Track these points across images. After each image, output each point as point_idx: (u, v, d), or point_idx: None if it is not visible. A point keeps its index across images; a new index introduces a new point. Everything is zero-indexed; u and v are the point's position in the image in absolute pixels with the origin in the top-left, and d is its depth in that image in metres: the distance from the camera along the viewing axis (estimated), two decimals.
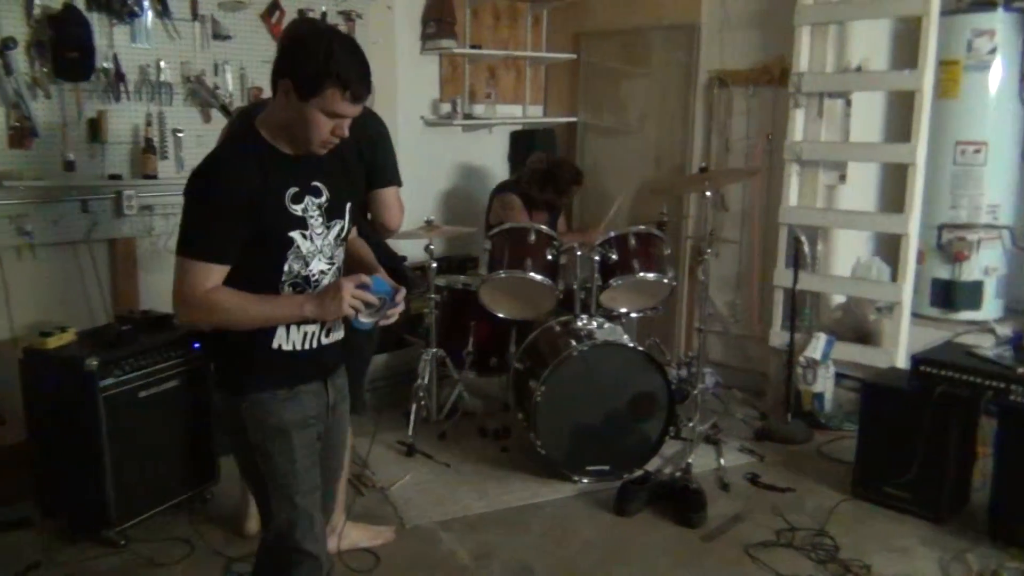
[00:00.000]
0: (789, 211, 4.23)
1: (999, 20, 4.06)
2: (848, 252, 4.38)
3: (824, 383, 4.08)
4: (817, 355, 4.04)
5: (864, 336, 4.17)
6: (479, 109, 5.14)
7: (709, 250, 3.82)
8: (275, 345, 1.90)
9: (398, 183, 2.83)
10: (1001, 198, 4.15)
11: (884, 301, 4.08)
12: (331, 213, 1.94)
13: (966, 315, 4.17)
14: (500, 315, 3.86)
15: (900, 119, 4.14)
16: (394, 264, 2.81)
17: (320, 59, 1.75)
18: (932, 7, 3.73)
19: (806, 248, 4.19)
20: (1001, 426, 3.06)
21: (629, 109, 5.19)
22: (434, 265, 3.91)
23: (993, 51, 4.07)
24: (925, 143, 3.83)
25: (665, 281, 3.74)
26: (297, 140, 1.85)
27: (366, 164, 2.72)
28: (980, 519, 3.12)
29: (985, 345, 3.59)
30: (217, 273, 1.79)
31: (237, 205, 1.76)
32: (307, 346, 1.94)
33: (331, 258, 1.95)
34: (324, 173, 1.93)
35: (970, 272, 4.15)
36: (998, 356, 3.18)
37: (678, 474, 3.50)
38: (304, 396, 1.94)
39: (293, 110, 1.80)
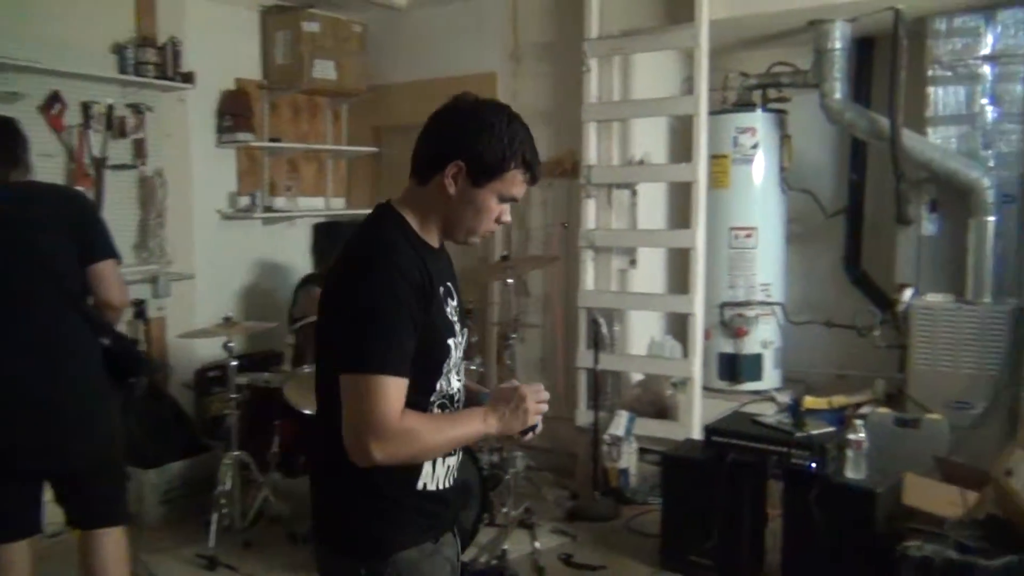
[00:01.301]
0: (586, 295, 4.46)
1: (759, 119, 4.56)
2: (643, 331, 4.65)
3: (628, 459, 4.26)
4: (620, 432, 4.23)
5: (662, 411, 4.41)
6: (280, 202, 5.10)
7: (514, 335, 3.94)
8: (420, 485, 1.58)
9: (116, 256, 2.60)
10: (771, 277, 4.58)
11: (678, 376, 4.36)
12: (463, 318, 1.69)
13: (750, 386, 4.53)
14: (307, 412, 3.76)
15: (681, 207, 4.51)
16: (124, 347, 2.62)
17: (506, 139, 1.57)
18: (701, 108, 4.14)
19: (604, 329, 4.41)
20: (786, 488, 3.32)
21: None
22: (234, 363, 3.78)
23: (755, 146, 4.54)
24: (704, 229, 4.19)
25: (472, 368, 3.81)
26: (455, 229, 1.63)
27: (79, 238, 2.51)
28: None
29: (768, 413, 3.91)
30: (404, 392, 1.49)
31: (413, 304, 1.50)
32: (448, 483, 1.65)
33: (459, 372, 1.67)
34: (452, 270, 1.72)
35: (750, 346, 4.53)
36: (779, 423, 3.46)
37: (494, 561, 3.50)
38: (446, 549, 1.65)
39: (460, 195, 1.58)
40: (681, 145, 4.55)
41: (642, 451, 4.33)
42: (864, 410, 4.03)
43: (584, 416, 4.41)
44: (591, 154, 4.47)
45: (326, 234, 5.28)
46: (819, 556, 3.13)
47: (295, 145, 5.21)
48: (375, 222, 1.63)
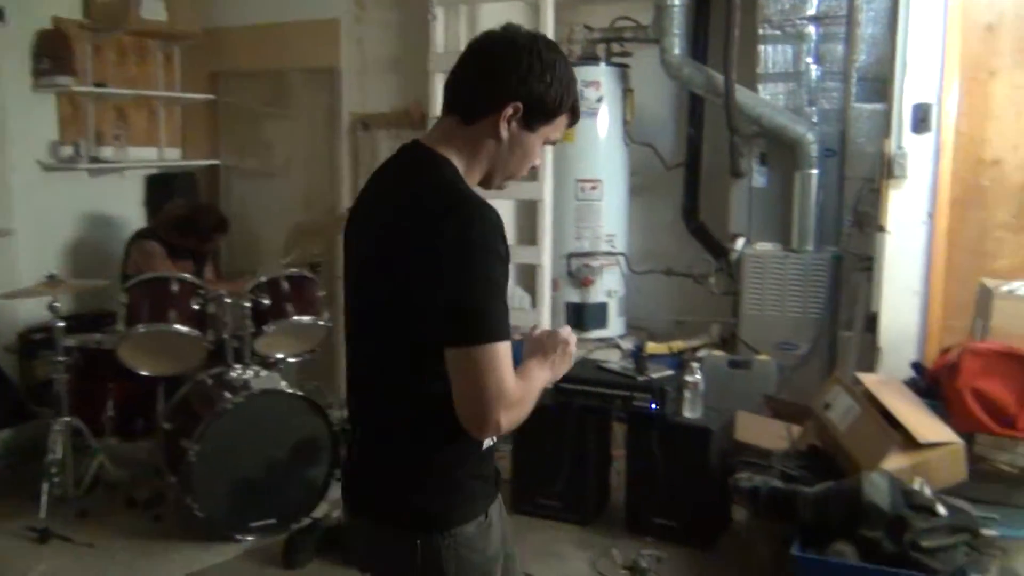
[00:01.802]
0: None
1: (603, 73, 4.64)
2: None
3: None
4: None
5: None
6: (107, 152, 4.78)
7: None
8: (486, 444, 1.50)
9: None
10: (616, 228, 4.72)
11: (528, 327, 4.43)
12: None
13: (596, 334, 4.67)
14: (144, 373, 3.60)
15: None
16: None
17: (564, 81, 1.47)
18: None
19: None
20: (629, 429, 3.48)
21: (275, 151, 5.14)
22: (61, 324, 3.55)
23: (600, 100, 4.63)
24: (551, 181, 4.26)
25: (321, 323, 3.75)
26: (497, 174, 1.53)
27: None
28: (619, 516, 3.50)
29: (613, 359, 4.07)
30: None
31: (506, 259, 1.39)
32: (493, 442, 1.53)
33: None
34: None
35: (596, 295, 4.67)
36: (623, 368, 3.61)
37: None
38: (495, 519, 1.54)
39: (512, 138, 1.47)
40: None
41: None
42: (701, 353, 4.26)
43: None
44: (438, 105, 4.41)
45: (161, 186, 5.03)
46: (660, 491, 3.31)
47: (122, 91, 4.88)
48: (435, 169, 1.47)
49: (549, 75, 1.46)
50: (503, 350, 1.36)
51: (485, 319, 1.35)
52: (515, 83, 1.45)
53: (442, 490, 1.47)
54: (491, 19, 4.57)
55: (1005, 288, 3.24)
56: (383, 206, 1.50)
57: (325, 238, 4.77)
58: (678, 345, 4.44)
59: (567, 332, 1.58)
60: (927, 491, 2.67)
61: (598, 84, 4.60)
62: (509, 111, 1.46)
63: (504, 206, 4.77)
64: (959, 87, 3.66)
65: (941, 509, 2.57)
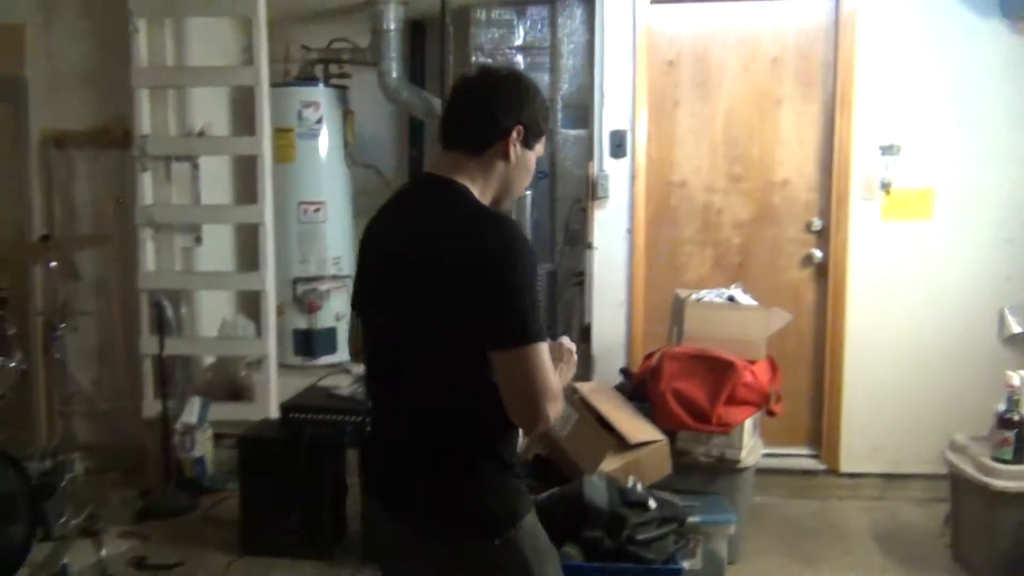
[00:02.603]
0: (148, 276, 4.16)
1: (322, 93, 4.61)
2: (213, 312, 4.48)
3: (203, 446, 4.09)
4: (193, 420, 4.04)
5: (238, 393, 4.31)
6: None
7: (63, 325, 3.55)
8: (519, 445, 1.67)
9: None
10: (342, 250, 4.69)
11: (252, 356, 4.28)
12: None
13: (325, 359, 4.61)
14: None
15: (247, 181, 4.40)
16: None
17: (544, 102, 1.70)
18: (262, 79, 4.05)
19: (170, 313, 4.16)
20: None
21: None
22: None
23: (320, 120, 4.59)
24: (271, 204, 4.13)
25: (12, 365, 3.36)
26: (509, 194, 1.69)
27: None
28: (358, 545, 3.46)
29: (344, 385, 4.02)
30: None
31: None
32: None
33: None
34: None
35: (324, 320, 4.61)
36: (353, 393, 3.59)
37: None
38: None
39: (518, 159, 1.64)
40: (244, 117, 4.43)
41: (218, 437, 4.19)
42: None
43: (152, 407, 4.13)
44: (144, 123, 4.14)
45: None
46: None
47: None
48: (461, 195, 1.61)
49: (537, 98, 1.69)
50: (545, 349, 1.51)
51: (531, 323, 1.49)
52: (517, 109, 1.64)
53: (506, 489, 1.60)
54: (199, 33, 4.37)
55: (694, 296, 3.62)
56: (413, 232, 1.60)
57: (13, 269, 4.28)
58: None
59: (568, 341, 1.75)
60: (639, 488, 2.92)
61: (317, 105, 4.57)
62: (514, 135, 1.63)
63: (223, 231, 4.57)
64: (647, 116, 4.04)
65: (652, 503, 2.82)
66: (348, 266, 4.72)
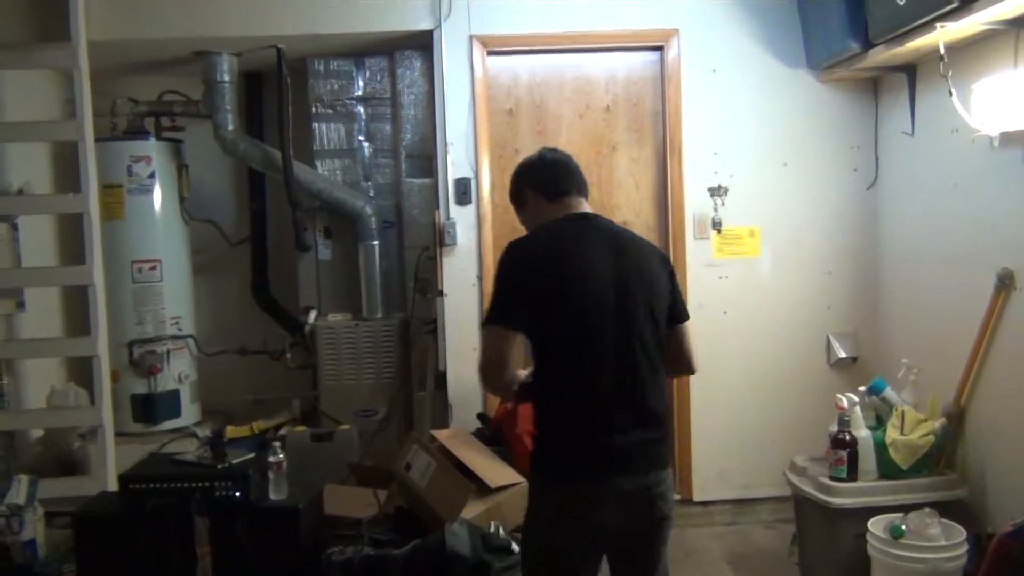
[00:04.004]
0: None
1: (153, 148, 4.42)
2: (41, 381, 4.18)
3: (33, 528, 3.77)
4: (20, 500, 3.73)
5: (71, 467, 4.02)
6: None
7: None
8: None
9: None
10: (181, 310, 4.49)
11: (85, 426, 4.02)
12: None
13: (169, 424, 4.38)
14: None
15: (73, 241, 4.17)
16: None
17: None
18: (86, 133, 3.84)
19: None
20: (213, 522, 3.29)
21: None
22: None
23: (152, 175, 4.41)
24: (100, 264, 3.91)
25: None
26: None
27: None
28: None
29: (189, 450, 3.83)
30: None
31: None
32: None
33: None
34: None
35: (165, 383, 4.38)
36: (200, 457, 3.42)
37: None
38: None
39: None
40: (68, 174, 4.21)
41: (50, 516, 3.88)
42: (283, 431, 4.22)
43: None
44: None
45: None
46: None
47: None
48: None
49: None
50: (489, 331, 2.12)
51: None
52: (531, 180, 2.36)
53: None
54: (18, 86, 4.14)
55: None
56: (618, 250, 2.19)
57: None
58: (260, 425, 4.35)
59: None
60: (502, 532, 2.93)
61: (148, 159, 4.39)
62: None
63: (48, 294, 4.31)
64: (489, 163, 4.13)
65: (515, 547, 2.83)
66: (189, 325, 4.53)
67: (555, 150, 2.40)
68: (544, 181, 2.31)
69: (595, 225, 2.26)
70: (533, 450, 2.17)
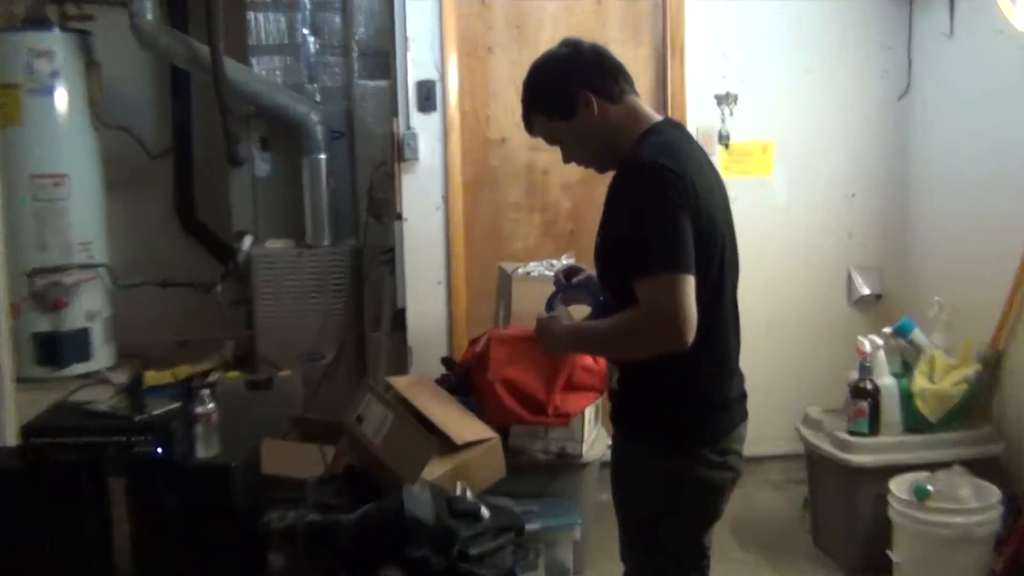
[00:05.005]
0: None
1: (58, 40, 4.23)
2: None
3: None
4: None
5: None
6: None
7: None
8: None
9: None
10: (92, 234, 4.34)
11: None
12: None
13: (78, 368, 4.26)
14: None
15: None
16: None
17: None
18: None
19: None
20: (130, 481, 3.22)
21: None
22: None
23: (55, 74, 4.21)
24: None
25: None
26: None
27: None
28: None
29: (102, 398, 3.75)
30: None
31: None
32: None
33: None
34: None
35: (73, 320, 4.25)
36: (115, 408, 3.34)
37: None
38: None
39: None
40: None
41: None
42: (213, 378, 4.14)
43: None
44: None
45: None
46: (175, 551, 3.11)
47: None
48: None
49: None
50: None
51: None
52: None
53: None
54: None
55: (522, 270, 3.62)
56: (717, 179, 2.05)
57: None
58: (184, 371, 4.27)
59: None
60: (469, 495, 2.87)
61: (51, 55, 4.21)
62: None
63: None
64: (458, 64, 3.99)
65: (485, 512, 2.77)
66: (101, 252, 4.38)
67: (580, 39, 2.11)
68: (604, 77, 2.02)
69: (690, 137, 2.10)
70: (662, 419, 2.03)
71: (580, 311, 2.18)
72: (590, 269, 2.21)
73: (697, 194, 1.87)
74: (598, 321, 2.06)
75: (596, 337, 2.05)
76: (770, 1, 4.07)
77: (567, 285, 2.25)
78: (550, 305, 2.20)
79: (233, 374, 4.18)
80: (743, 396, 2.16)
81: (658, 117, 2.05)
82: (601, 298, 2.13)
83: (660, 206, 1.83)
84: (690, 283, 1.81)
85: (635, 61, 4.12)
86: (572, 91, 2.00)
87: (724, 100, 4.06)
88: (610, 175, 2.04)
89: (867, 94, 4.15)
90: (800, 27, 4.09)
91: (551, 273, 3.57)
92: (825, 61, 4.12)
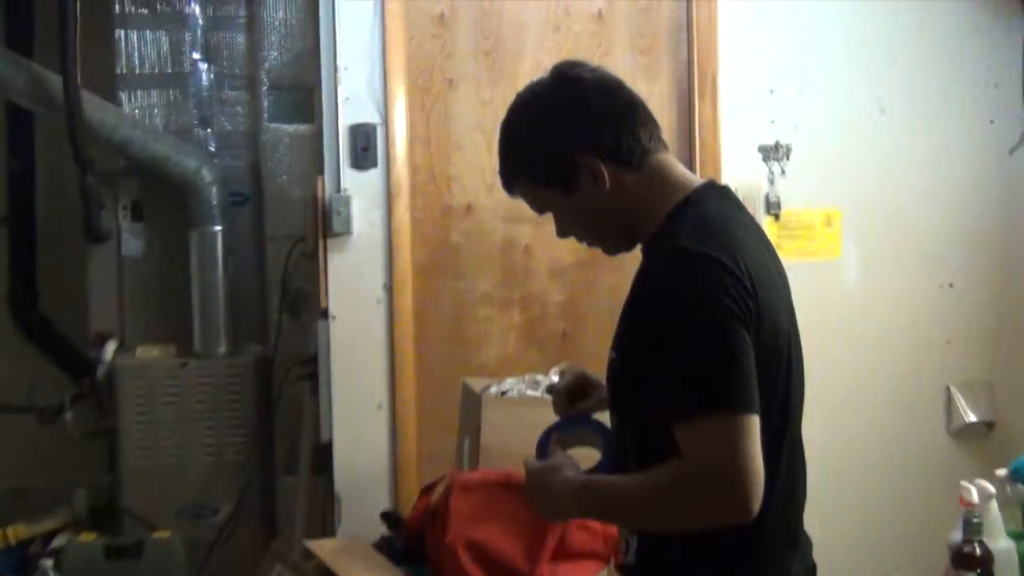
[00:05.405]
0: None
1: None
2: None
3: None
4: None
5: None
6: None
7: None
8: None
9: None
10: None
11: None
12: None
13: None
14: None
15: None
16: None
17: None
18: None
19: None
20: None
21: None
22: None
23: None
24: None
25: None
26: None
27: None
28: None
29: None
30: None
31: None
32: None
33: None
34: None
35: None
36: None
37: None
38: None
39: None
40: None
41: None
42: (59, 541, 4.09)
43: None
44: None
45: None
46: None
47: None
48: None
49: None
50: None
51: None
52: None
53: None
54: None
55: (495, 389, 3.60)
56: (778, 265, 2.03)
57: None
58: (19, 531, 4.22)
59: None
60: None
61: None
62: None
63: None
64: (406, 102, 4.03)
65: None
66: None
67: (583, 65, 2.05)
68: (620, 131, 1.96)
69: (743, 209, 2.06)
70: None
71: (584, 455, 2.08)
72: (600, 385, 2.12)
73: (757, 295, 1.80)
74: (618, 478, 1.95)
75: (618, 501, 1.92)
76: (833, 19, 4.16)
77: (570, 418, 2.20)
78: (543, 447, 2.13)
79: (87, 536, 4.14)
80: (810, 571, 2.13)
81: (697, 181, 1.99)
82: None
83: (710, 315, 1.74)
84: (755, 426, 1.72)
85: (650, 100, 4.09)
86: (571, 156, 1.93)
87: (772, 153, 4.11)
88: (623, 258, 2.05)
89: (968, 146, 4.22)
90: (873, 56, 4.17)
91: (536, 394, 3.59)
92: (909, 102, 4.19)
